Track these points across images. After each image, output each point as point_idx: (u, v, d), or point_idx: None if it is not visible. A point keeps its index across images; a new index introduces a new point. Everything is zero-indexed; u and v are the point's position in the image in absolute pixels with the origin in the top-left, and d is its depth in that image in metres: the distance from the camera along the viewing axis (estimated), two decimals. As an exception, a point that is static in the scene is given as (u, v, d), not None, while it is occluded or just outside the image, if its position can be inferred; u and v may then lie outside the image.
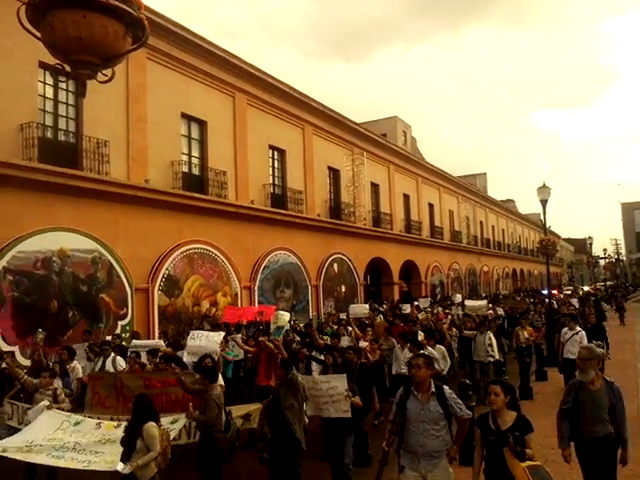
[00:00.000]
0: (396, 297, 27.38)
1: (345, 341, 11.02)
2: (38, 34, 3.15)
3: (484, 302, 18.83)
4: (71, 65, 3.17)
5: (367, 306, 17.72)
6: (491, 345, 11.66)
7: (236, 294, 17.00)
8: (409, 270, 31.02)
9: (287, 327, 11.68)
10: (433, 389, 4.79)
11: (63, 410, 6.73)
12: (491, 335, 11.87)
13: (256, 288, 17.97)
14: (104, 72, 3.34)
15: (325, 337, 11.62)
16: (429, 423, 4.68)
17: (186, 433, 6.67)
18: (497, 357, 11.82)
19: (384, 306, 21.85)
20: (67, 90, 12.79)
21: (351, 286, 23.83)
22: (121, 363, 9.03)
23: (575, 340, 10.94)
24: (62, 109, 12.94)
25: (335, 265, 22.73)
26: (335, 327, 13.53)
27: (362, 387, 7.28)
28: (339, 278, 23.02)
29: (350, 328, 12.60)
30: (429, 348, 9.51)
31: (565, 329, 11.66)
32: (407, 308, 19.33)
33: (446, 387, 4.91)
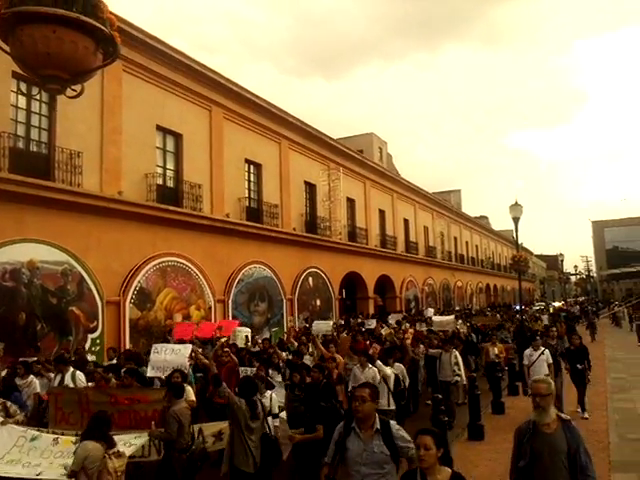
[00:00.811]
0: (371, 311, 27.46)
1: (306, 360, 10.34)
2: (7, 48, 3.14)
3: (451, 317, 18.51)
4: (40, 80, 3.16)
5: (331, 323, 17.45)
6: (457, 364, 11.19)
7: (210, 307, 16.87)
8: (384, 285, 31.15)
9: (242, 344, 11.28)
10: (378, 425, 4.13)
11: (18, 422, 6.60)
12: (457, 354, 11.41)
13: (230, 302, 17.85)
14: (73, 87, 3.34)
15: (284, 353, 11.21)
16: (372, 466, 4.00)
17: (156, 450, 6.57)
18: (464, 377, 11.24)
19: (351, 320, 21.65)
20: (40, 100, 12.65)
21: (326, 300, 23.83)
22: (81, 378, 8.81)
23: (542, 360, 10.32)
24: (35, 119, 12.78)
25: (310, 279, 22.72)
26: (296, 344, 12.91)
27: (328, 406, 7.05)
28: (314, 292, 23.00)
29: (310, 345, 11.93)
30: (378, 362, 8.95)
31: (529, 350, 10.81)
32: (372, 323, 18.90)
33: (393, 423, 4.26)
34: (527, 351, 10.89)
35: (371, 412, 4.16)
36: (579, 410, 10.71)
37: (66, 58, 3.07)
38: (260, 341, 14.01)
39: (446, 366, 11.19)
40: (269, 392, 7.30)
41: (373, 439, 4.08)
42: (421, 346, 13.48)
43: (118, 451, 5.20)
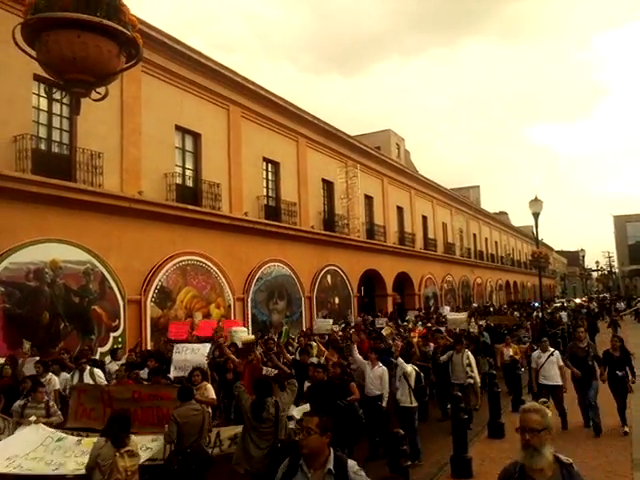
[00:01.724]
0: (390, 309, 27.41)
1: (313, 360, 10.13)
2: (33, 53, 3.20)
3: (464, 316, 17.95)
4: (66, 84, 3.23)
5: (331, 321, 17.16)
6: (470, 365, 10.66)
7: (229, 306, 16.98)
8: (403, 282, 31.06)
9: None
10: (331, 465, 3.35)
11: (52, 424, 6.73)
12: (469, 354, 10.86)
13: (249, 300, 17.96)
14: (98, 90, 3.41)
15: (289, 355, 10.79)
16: None
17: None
18: (477, 379, 10.75)
19: (353, 320, 21.11)
20: (61, 102, 12.81)
21: (345, 298, 23.84)
22: (99, 374, 8.96)
23: (552, 362, 9.62)
24: (56, 121, 12.99)
25: (329, 277, 22.75)
26: (301, 342, 12.53)
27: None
28: (333, 290, 23.03)
29: (314, 344, 11.68)
30: (400, 360, 8.83)
31: (537, 352, 10.13)
32: (383, 323, 18.21)
33: (352, 464, 3.45)
34: (535, 353, 10.20)
35: (319, 447, 3.37)
36: (621, 425, 9.29)
37: (91, 62, 3.13)
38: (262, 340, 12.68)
39: (458, 368, 10.67)
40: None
41: None
42: (431, 344, 12.73)
43: (131, 450, 5.27)
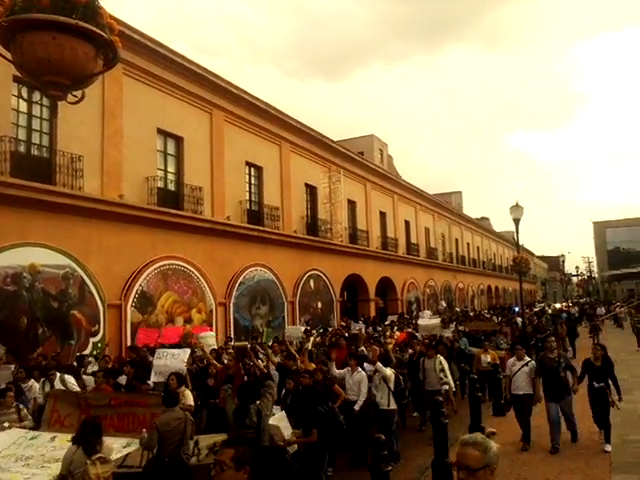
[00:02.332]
0: (372, 314, 27.45)
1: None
2: (8, 55, 3.16)
3: (437, 321, 17.76)
4: (42, 86, 3.19)
5: (302, 329, 16.92)
6: (443, 370, 10.28)
7: (211, 310, 16.88)
8: (385, 287, 31.14)
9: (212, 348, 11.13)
10: None
11: (26, 428, 6.65)
12: (442, 359, 10.49)
13: (231, 304, 17.86)
14: (74, 93, 3.36)
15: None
16: None
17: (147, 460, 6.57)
18: (452, 384, 10.39)
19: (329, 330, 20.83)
20: (41, 104, 12.69)
21: (327, 302, 23.83)
22: (71, 381, 8.82)
23: (524, 372, 9.10)
24: (36, 123, 12.82)
25: (311, 281, 22.73)
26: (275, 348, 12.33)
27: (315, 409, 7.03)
28: (315, 294, 23.00)
29: (311, 339, 11.63)
30: (379, 364, 8.60)
31: (512, 360, 9.62)
32: (359, 329, 17.62)
33: None
34: (510, 360, 9.76)
35: None
36: (603, 443, 8.54)
37: (67, 64, 3.08)
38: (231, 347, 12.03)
39: (431, 374, 10.31)
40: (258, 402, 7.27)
41: None
42: (409, 351, 12.35)
43: (104, 457, 5.18)
